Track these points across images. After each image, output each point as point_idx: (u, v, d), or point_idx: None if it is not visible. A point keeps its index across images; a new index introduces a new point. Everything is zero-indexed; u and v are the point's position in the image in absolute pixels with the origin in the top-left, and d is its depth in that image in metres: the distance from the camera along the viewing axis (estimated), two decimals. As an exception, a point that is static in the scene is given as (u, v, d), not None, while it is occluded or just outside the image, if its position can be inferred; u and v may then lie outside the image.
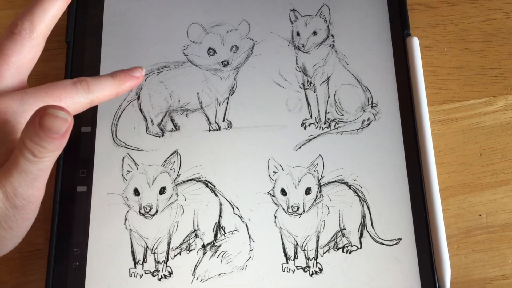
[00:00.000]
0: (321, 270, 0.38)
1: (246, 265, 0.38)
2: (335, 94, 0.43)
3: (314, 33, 0.44)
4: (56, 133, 0.30)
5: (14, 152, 0.31)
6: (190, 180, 0.40)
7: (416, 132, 0.41)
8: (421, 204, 0.40)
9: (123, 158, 0.40)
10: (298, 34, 0.44)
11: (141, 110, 0.42)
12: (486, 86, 0.45)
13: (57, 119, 0.29)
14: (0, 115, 0.32)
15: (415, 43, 0.44)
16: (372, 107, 0.42)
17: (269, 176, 0.40)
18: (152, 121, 0.42)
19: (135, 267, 0.38)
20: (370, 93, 0.43)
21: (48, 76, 0.44)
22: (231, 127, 0.42)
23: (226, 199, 0.40)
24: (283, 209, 0.40)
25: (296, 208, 0.40)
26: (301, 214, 0.39)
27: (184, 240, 0.39)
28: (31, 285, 0.39)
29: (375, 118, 0.42)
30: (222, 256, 0.38)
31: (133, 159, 0.40)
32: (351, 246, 0.39)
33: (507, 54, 0.46)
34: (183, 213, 0.39)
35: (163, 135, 0.41)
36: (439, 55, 0.45)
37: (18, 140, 0.31)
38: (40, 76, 0.44)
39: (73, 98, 0.34)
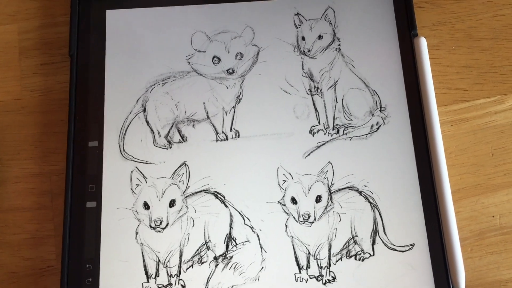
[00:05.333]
0: (334, 278, 0.38)
1: (259, 276, 0.38)
2: (342, 99, 0.42)
3: (320, 37, 0.44)
4: None
5: None
6: (200, 191, 0.40)
7: (426, 134, 0.41)
8: (433, 208, 0.39)
9: (132, 171, 0.40)
10: (303, 38, 0.44)
11: (147, 122, 0.42)
12: (496, 84, 0.44)
13: None
14: None
15: (423, 44, 0.43)
16: (380, 111, 0.42)
17: (279, 185, 0.40)
18: (159, 133, 0.41)
19: (148, 281, 0.38)
20: (378, 96, 0.42)
21: (52, 91, 0.43)
22: (238, 137, 0.41)
23: (236, 209, 0.39)
24: (294, 218, 0.39)
25: (307, 216, 0.39)
26: (312, 222, 0.39)
27: (195, 252, 0.39)
28: (45, 302, 0.39)
29: (384, 122, 0.42)
30: (234, 268, 0.38)
31: (141, 172, 0.40)
32: (364, 254, 0.39)
33: (517, 50, 0.45)
34: (193, 225, 0.39)
35: (170, 147, 0.41)
36: (447, 54, 0.45)
37: None
38: (45, 91, 0.44)
39: None
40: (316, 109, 0.42)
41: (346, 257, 0.39)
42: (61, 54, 0.44)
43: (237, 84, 0.42)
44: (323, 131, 0.41)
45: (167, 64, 0.43)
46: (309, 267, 0.38)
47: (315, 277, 0.38)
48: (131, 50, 0.43)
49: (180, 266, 0.38)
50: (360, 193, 0.40)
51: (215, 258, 0.39)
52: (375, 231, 0.39)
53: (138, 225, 0.39)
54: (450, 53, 0.45)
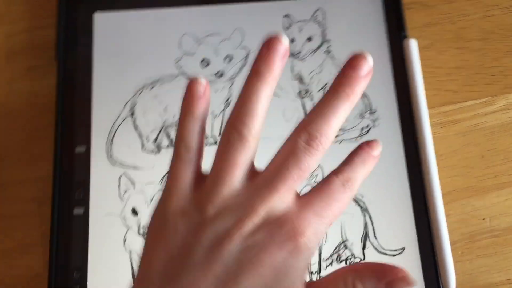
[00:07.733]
0: (324, 283, 0.38)
1: (249, 282, 0.38)
2: (332, 102, 0.42)
3: (309, 39, 0.43)
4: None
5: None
6: (189, 197, 0.39)
7: (416, 136, 0.41)
8: (423, 211, 0.39)
9: (120, 177, 0.40)
10: (292, 41, 0.43)
11: (135, 127, 0.41)
12: (486, 86, 0.44)
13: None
14: None
15: (413, 45, 0.43)
16: (370, 113, 0.42)
17: (269, 189, 0.40)
18: (147, 137, 0.41)
19: (137, 288, 0.38)
20: (368, 99, 0.42)
21: (39, 95, 0.43)
22: (228, 141, 0.41)
23: (225, 214, 0.39)
24: (284, 222, 0.39)
25: (297, 221, 0.39)
26: (302, 227, 0.39)
27: (185, 258, 0.38)
28: (33, 310, 0.39)
29: (374, 125, 0.41)
30: (224, 273, 0.38)
31: (129, 178, 0.40)
32: (354, 258, 0.38)
33: (507, 51, 0.45)
34: (182, 231, 0.39)
35: (159, 152, 0.41)
36: (437, 55, 0.45)
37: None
38: (32, 95, 0.43)
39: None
40: (305, 113, 0.42)
41: (337, 261, 0.38)
42: (48, 58, 0.44)
43: (226, 87, 0.42)
44: (313, 135, 0.41)
45: (155, 67, 0.42)
46: (299, 272, 0.38)
47: (305, 282, 0.38)
48: (119, 53, 0.43)
49: (169, 273, 0.38)
50: (350, 197, 0.40)
51: (205, 264, 0.38)
52: (365, 235, 0.39)
53: (127, 232, 0.39)
54: (440, 55, 0.44)
